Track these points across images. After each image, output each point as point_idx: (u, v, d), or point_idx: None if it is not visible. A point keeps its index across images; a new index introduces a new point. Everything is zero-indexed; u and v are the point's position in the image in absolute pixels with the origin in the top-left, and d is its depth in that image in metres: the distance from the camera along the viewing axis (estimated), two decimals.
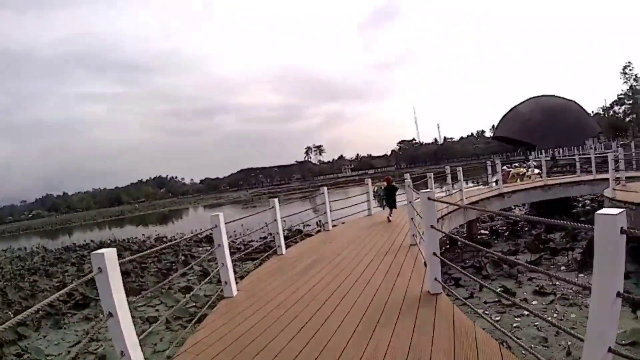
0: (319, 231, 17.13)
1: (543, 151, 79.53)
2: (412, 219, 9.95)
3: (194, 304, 12.93)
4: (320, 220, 20.45)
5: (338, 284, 7.38)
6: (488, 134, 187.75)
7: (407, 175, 12.32)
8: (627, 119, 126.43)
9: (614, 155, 15.95)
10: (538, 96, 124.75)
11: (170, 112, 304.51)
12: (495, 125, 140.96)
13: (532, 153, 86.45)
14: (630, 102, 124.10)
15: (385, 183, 16.41)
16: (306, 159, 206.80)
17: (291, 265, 9.59)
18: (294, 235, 21.25)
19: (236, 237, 27.61)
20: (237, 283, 7.97)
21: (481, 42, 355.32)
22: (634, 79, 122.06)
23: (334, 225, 15.67)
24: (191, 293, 7.53)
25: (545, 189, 21.12)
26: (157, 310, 13.63)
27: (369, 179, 17.09)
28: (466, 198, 18.32)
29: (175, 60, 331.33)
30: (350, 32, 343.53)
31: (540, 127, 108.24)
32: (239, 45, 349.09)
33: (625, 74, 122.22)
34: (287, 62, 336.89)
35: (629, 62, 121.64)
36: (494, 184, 22.97)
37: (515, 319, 9.70)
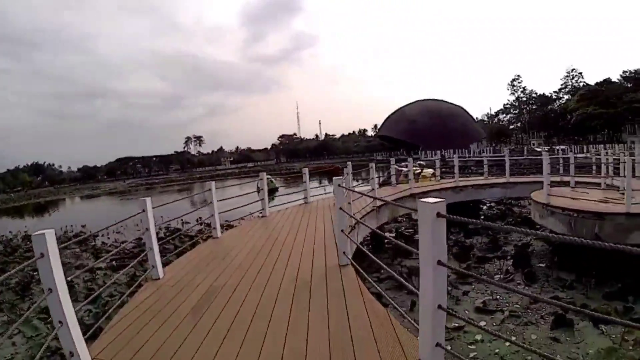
0: (208, 238, 12.08)
1: (428, 152, 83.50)
2: (342, 230, 7.13)
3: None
4: (203, 221, 18.80)
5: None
6: (370, 133, 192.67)
7: (349, 164, 13.30)
8: (511, 127, 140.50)
9: (548, 158, 14.80)
10: (425, 99, 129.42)
11: (53, 94, 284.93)
12: (379, 124, 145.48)
13: (421, 153, 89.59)
14: (516, 111, 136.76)
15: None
16: (185, 149, 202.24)
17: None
18: (172, 237, 18.79)
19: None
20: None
21: (368, 44, 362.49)
22: (522, 91, 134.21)
23: (227, 228, 15.09)
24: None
25: (457, 191, 20.15)
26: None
27: (264, 173, 14.50)
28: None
29: (64, 36, 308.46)
30: (240, 22, 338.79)
31: (426, 129, 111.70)
32: (126, 24, 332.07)
33: (514, 86, 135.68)
34: (172, 47, 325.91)
35: (518, 75, 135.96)
36: (393, 182, 21.77)
37: (469, 346, 8.16)
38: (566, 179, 18.16)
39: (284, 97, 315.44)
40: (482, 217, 22.49)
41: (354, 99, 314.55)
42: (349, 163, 14.79)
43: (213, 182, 11.69)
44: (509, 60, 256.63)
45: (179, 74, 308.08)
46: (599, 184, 17.31)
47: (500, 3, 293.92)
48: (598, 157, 21.65)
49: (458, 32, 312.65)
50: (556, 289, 11.09)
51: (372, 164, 16.32)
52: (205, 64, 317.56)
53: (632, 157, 15.15)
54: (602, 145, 70.20)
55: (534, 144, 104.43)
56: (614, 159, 19.55)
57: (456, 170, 21.02)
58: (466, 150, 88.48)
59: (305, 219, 12.89)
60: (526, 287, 11.37)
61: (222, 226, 12.64)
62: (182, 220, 24.03)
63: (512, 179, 20.89)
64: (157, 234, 11.73)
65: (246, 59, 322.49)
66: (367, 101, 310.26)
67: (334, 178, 7.16)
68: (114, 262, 17.18)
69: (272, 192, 35.23)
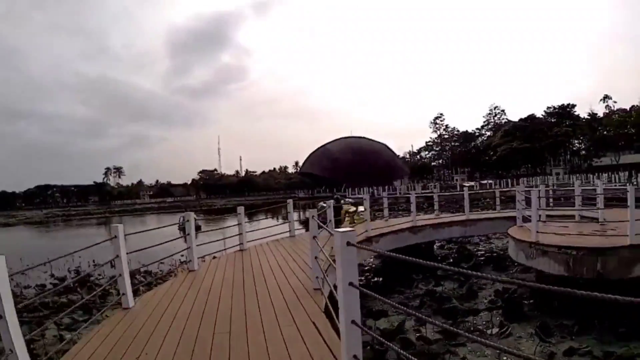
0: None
1: (350, 189, 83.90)
2: (315, 257, 7.71)
3: None
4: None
5: None
6: (291, 170, 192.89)
7: (325, 203, 12.63)
8: (433, 164, 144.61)
9: (537, 191, 13.53)
10: (348, 137, 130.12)
11: None
12: (300, 162, 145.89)
13: (347, 191, 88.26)
14: (439, 148, 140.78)
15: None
16: (105, 180, 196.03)
17: None
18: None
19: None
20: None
21: (293, 82, 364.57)
22: (444, 129, 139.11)
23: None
24: None
25: (415, 231, 17.90)
26: None
27: (191, 213, 12.06)
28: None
29: None
30: (167, 51, 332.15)
31: (349, 167, 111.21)
32: (55, 43, 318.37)
33: (436, 123, 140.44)
34: (97, 71, 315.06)
35: (441, 114, 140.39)
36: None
37: None
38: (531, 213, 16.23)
39: (207, 131, 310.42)
40: (438, 258, 20.54)
41: (276, 135, 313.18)
42: (290, 201, 15.21)
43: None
44: (431, 98, 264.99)
45: (103, 100, 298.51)
46: (570, 217, 16.36)
47: (422, 43, 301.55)
48: (570, 189, 21.27)
49: (380, 71, 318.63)
50: (564, 337, 9.76)
51: (290, 201, 16.70)
52: (130, 92, 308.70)
53: (635, 186, 14.56)
54: (525, 179, 73.58)
55: (456, 180, 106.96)
56: (584, 189, 19.21)
57: (413, 208, 18.72)
58: (390, 187, 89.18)
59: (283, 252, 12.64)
60: (542, 344, 9.50)
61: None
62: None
63: (472, 216, 19.84)
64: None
65: (170, 89, 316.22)
66: (289, 138, 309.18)
67: (308, 212, 7.94)
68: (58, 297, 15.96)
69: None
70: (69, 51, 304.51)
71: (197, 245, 11.27)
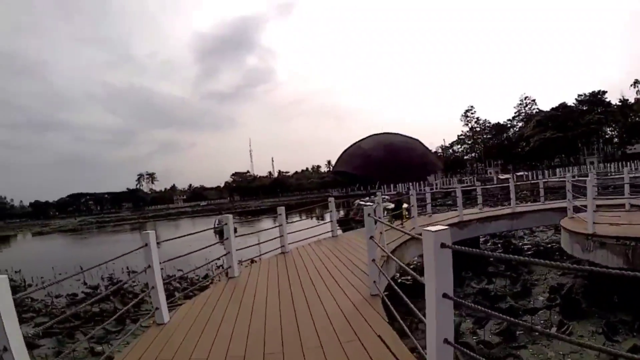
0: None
1: (385, 186, 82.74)
2: (373, 259, 6.91)
3: None
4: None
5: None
6: (324, 169, 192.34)
7: (362, 201, 11.48)
8: (466, 157, 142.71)
9: (592, 180, 12.44)
10: (380, 133, 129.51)
11: (3, 122, 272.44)
12: (333, 160, 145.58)
13: (383, 187, 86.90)
14: (470, 141, 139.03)
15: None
16: (138, 186, 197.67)
17: None
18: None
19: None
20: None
21: (321, 80, 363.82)
22: (475, 121, 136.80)
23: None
24: None
25: (462, 226, 17.04)
26: None
27: (229, 216, 10.56)
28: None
29: (18, 62, 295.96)
30: (194, 58, 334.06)
31: (382, 163, 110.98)
32: (79, 54, 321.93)
33: (467, 117, 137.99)
34: (124, 80, 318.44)
35: (472, 106, 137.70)
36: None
37: None
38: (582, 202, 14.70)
39: (237, 134, 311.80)
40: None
41: (307, 135, 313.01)
42: (332, 199, 14.37)
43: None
44: (461, 92, 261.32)
45: (131, 108, 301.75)
46: (619, 206, 15.50)
47: (450, 37, 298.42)
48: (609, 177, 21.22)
49: (410, 66, 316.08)
50: (627, 335, 9.07)
51: (332, 199, 15.38)
52: (158, 99, 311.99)
53: None
54: (560, 169, 72.10)
55: (490, 172, 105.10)
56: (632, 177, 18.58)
57: (459, 203, 17.62)
58: (425, 183, 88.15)
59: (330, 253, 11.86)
60: (608, 343, 8.76)
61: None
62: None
63: (519, 209, 19.15)
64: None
65: (198, 94, 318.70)
66: (321, 137, 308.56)
67: (364, 208, 7.00)
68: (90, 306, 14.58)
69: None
70: (94, 61, 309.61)
71: (237, 250, 10.32)
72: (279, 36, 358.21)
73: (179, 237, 9.09)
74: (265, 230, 18.25)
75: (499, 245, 21.17)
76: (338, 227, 16.04)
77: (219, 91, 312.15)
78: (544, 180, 17.96)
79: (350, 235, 15.22)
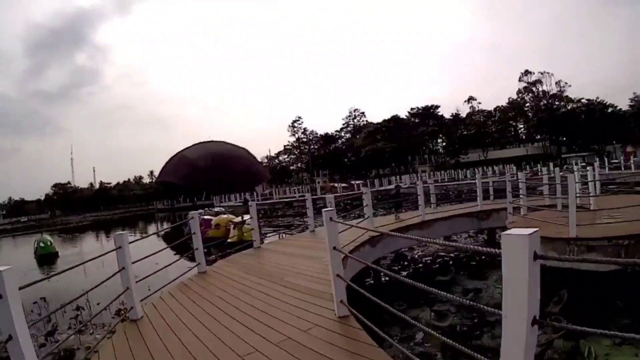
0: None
1: (214, 197, 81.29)
2: (338, 275, 6.00)
3: None
4: None
5: None
6: (147, 180, 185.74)
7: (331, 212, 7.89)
8: (292, 167, 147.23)
9: (574, 176, 12.15)
10: (206, 141, 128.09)
11: None
12: (156, 171, 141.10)
13: (212, 198, 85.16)
14: (297, 151, 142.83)
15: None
16: None
17: None
18: None
19: None
20: None
21: (144, 85, 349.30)
22: (302, 132, 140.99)
23: None
24: None
25: (374, 243, 13.30)
26: None
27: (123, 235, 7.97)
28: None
29: None
30: (24, 49, 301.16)
31: (209, 173, 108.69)
32: None
33: (294, 127, 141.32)
34: None
35: (299, 117, 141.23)
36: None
37: None
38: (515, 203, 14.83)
39: (60, 140, 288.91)
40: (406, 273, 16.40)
41: (131, 143, 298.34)
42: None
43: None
44: (289, 102, 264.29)
45: None
46: (549, 206, 15.09)
47: (280, 49, 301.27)
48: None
49: (237, 76, 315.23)
50: None
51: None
52: None
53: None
54: (395, 177, 77.73)
55: (318, 182, 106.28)
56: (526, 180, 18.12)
57: (369, 212, 14.40)
58: (254, 193, 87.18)
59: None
60: None
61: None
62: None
63: (429, 217, 16.48)
64: None
65: (25, 93, 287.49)
66: (146, 146, 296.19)
67: (323, 210, 5.84)
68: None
69: (50, 258, 29.88)
70: None
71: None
72: (113, 35, 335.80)
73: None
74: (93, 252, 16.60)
75: (418, 260, 17.78)
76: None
77: (44, 90, 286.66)
78: (479, 180, 17.30)
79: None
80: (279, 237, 20.40)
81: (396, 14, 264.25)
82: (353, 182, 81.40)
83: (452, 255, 17.31)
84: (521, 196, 14.75)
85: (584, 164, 45.16)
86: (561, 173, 22.02)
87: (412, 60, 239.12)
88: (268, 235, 21.49)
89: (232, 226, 24.40)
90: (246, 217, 23.02)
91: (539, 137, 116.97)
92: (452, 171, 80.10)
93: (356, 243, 11.45)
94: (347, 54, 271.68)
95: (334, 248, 5.74)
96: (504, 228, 16.83)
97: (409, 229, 14.82)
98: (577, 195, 13.80)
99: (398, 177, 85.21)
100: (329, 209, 5.85)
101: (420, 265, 17.02)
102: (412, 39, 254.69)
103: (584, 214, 11.46)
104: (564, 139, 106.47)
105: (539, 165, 62.67)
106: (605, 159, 55.52)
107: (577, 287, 9.70)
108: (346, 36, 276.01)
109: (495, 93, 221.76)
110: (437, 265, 16.39)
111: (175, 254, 15.77)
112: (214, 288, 8.70)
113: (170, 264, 10.10)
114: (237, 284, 8.72)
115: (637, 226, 9.82)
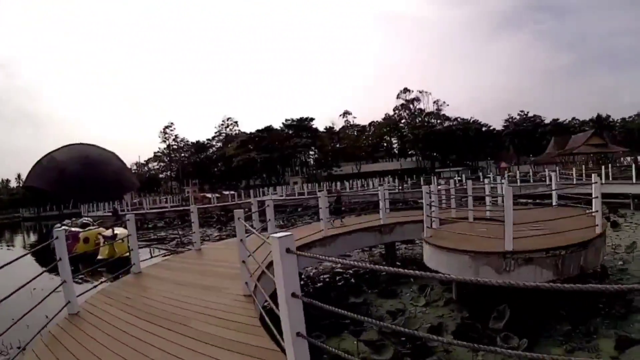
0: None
1: (83, 206, 75.07)
2: (243, 261, 7.10)
3: None
4: None
5: None
6: (14, 184, 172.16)
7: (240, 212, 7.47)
8: (161, 175, 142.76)
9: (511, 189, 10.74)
10: (76, 144, 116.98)
11: None
12: (24, 174, 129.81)
13: (81, 207, 76.64)
14: (168, 159, 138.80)
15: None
16: None
17: None
18: None
19: None
20: None
21: (15, 77, 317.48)
22: (174, 139, 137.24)
23: None
24: None
25: (327, 243, 14.58)
26: None
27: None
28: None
29: None
30: None
31: (79, 179, 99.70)
32: None
33: (166, 133, 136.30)
34: None
35: (172, 123, 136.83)
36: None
37: None
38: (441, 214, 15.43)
39: None
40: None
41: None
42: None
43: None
44: (159, 107, 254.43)
45: None
46: (462, 218, 15.70)
47: (148, 48, 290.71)
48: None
49: (108, 76, 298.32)
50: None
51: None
52: None
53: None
54: (267, 188, 79.02)
55: (188, 192, 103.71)
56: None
57: (320, 215, 14.90)
58: (122, 202, 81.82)
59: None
60: None
61: None
62: None
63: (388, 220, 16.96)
64: None
65: None
66: (16, 147, 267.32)
67: (235, 211, 7.40)
68: None
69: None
70: None
71: None
72: None
73: None
74: None
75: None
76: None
77: None
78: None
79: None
80: (157, 255, 19.93)
81: (278, 25, 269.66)
82: (226, 192, 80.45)
83: (350, 272, 16.80)
84: (433, 208, 13.72)
85: (459, 178, 48.04)
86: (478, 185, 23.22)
87: (292, 72, 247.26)
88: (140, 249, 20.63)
89: (102, 241, 22.99)
90: (117, 230, 23.01)
91: (412, 152, 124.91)
92: (325, 183, 79.08)
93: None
94: (225, 64, 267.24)
95: (241, 240, 7.15)
96: (410, 242, 20.27)
97: (311, 246, 13.53)
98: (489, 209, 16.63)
99: (271, 187, 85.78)
100: (240, 212, 7.29)
101: (320, 284, 16.37)
102: (294, 50, 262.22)
103: (501, 227, 10.47)
104: (436, 154, 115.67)
105: (413, 177, 70.79)
106: (480, 174, 61.26)
107: (517, 301, 9.82)
108: (225, 46, 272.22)
109: (374, 109, 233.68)
110: (341, 283, 15.98)
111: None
112: (93, 343, 5.99)
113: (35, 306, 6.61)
114: (123, 336, 6.13)
115: (567, 237, 10.31)
